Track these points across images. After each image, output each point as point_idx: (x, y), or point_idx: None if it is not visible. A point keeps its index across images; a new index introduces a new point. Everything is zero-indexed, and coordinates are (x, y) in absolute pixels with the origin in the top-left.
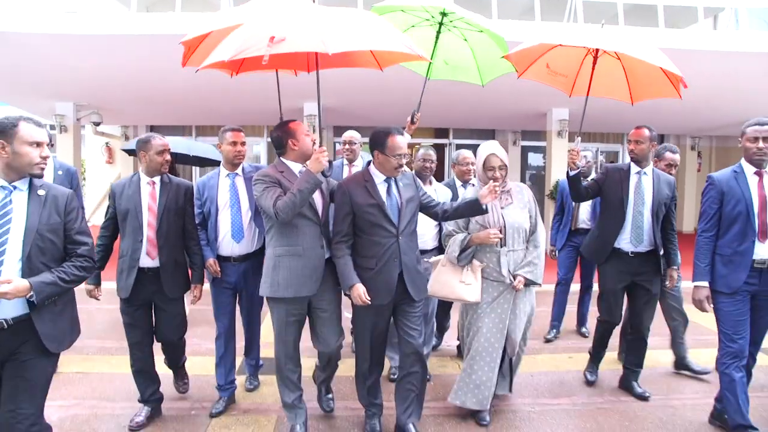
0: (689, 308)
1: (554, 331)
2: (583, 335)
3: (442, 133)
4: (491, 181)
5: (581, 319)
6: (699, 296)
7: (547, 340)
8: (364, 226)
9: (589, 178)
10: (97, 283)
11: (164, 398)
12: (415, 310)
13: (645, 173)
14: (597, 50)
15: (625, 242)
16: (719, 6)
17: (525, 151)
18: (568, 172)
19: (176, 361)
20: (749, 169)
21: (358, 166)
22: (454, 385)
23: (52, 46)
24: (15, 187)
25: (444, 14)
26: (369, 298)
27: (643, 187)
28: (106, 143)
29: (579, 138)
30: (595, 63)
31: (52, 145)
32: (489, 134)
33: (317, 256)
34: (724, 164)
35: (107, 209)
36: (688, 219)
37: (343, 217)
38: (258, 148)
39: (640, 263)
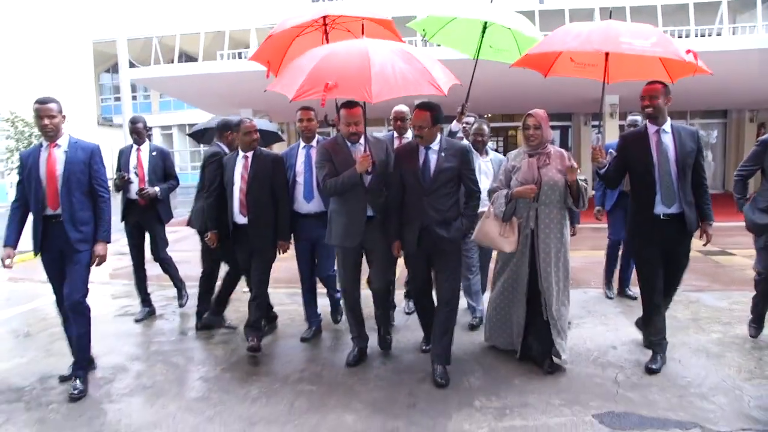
0: None
1: (611, 290)
2: (631, 297)
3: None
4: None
5: (625, 281)
6: None
7: (609, 298)
8: (405, 184)
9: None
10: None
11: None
12: (447, 262)
13: (665, 130)
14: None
15: (657, 205)
16: None
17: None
18: (598, 171)
19: (261, 290)
20: None
21: (408, 137)
22: (485, 328)
23: (236, 76)
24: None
25: (486, 24)
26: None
27: (665, 146)
28: None
29: (599, 134)
30: (607, 59)
31: (150, 135)
32: (566, 117)
33: (359, 216)
34: None
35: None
36: None
37: (392, 175)
38: (379, 135)
39: (672, 228)
